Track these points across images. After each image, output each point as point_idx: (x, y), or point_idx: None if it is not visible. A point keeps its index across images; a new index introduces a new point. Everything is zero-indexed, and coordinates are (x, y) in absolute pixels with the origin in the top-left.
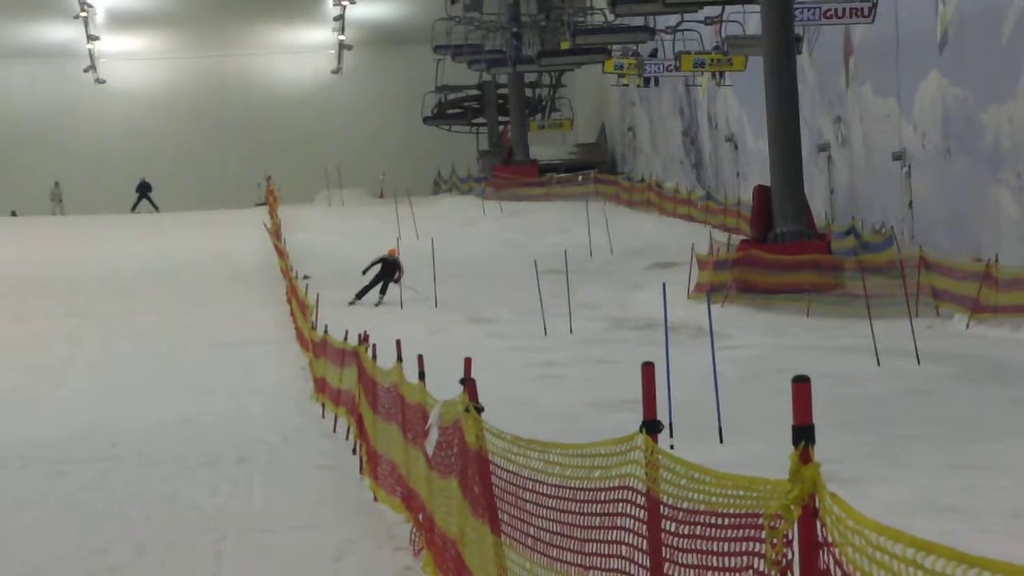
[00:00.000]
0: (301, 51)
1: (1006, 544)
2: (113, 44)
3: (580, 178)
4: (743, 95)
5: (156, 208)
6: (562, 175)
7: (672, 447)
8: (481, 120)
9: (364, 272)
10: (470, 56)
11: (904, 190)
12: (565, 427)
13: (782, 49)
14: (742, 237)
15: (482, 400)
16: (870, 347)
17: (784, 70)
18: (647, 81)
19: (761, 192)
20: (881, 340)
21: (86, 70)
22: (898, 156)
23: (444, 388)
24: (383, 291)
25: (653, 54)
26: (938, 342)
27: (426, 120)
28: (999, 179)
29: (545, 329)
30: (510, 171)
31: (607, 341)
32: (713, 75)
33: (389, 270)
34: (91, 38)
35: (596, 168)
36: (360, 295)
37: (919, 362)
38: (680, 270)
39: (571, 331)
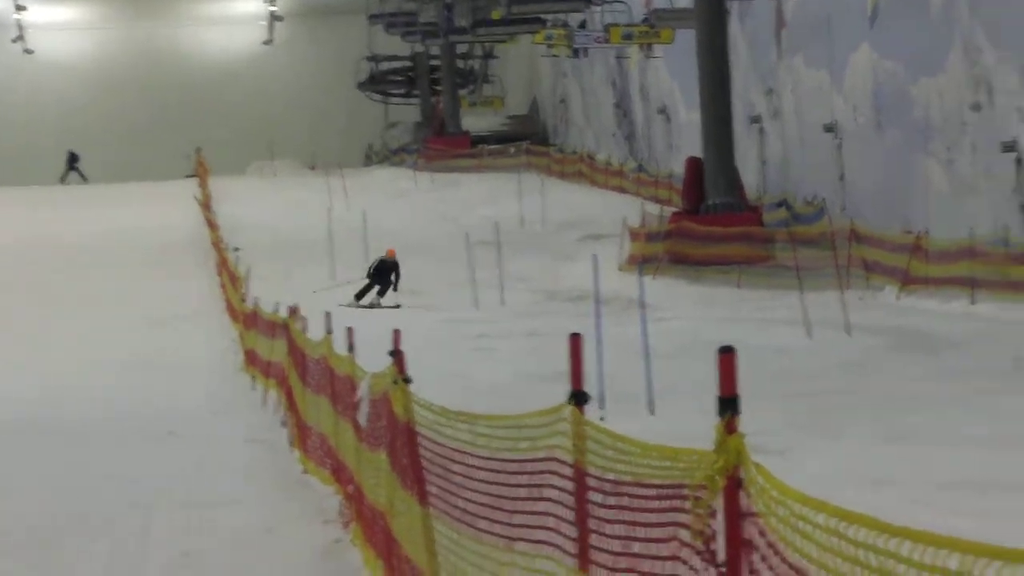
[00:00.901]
0: (232, 22)
1: (935, 515)
2: (41, 14)
3: (512, 150)
4: (675, 67)
5: (85, 179)
6: (494, 147)
7: (603, 419)
8: (414, 91)
9: (368, 276)
10: (403, 28)
11: (835, 162)
12: (495, 399)
13: (714, 21)
14: (674, 209)
15: (412, 372)
16: (801, 319)
17: (716, 42)
18: (576, 52)
19: (693, 164)
20: (812, 312)
21: (14, 40)
22: (830, 128)
23: (373, 360)
24: (380, 293)
25: (582, 25)
26: (869, 314)
27: (360, 86)
28: (929, 152)
29: (476, 301)
30: (442, 143)
31: (539, 313)
32: (641, 47)
33: (386, 271)
34: (19, 8)
35: (528, 140)
36: (359, 296)
37: (850, 333)
38: (612, 242)
39: (503, 303)
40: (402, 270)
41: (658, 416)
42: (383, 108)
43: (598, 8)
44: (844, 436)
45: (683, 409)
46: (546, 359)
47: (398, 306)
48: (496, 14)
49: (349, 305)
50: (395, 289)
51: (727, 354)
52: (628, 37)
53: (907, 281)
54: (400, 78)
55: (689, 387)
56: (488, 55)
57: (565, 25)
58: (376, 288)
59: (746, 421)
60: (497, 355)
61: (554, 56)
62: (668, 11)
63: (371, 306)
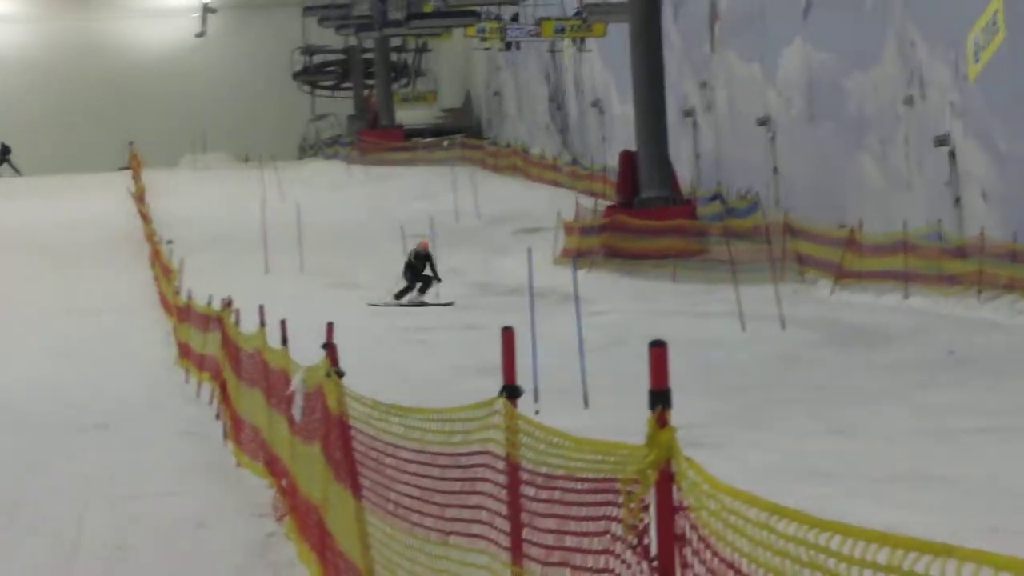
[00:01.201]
0: (166, 14)
1: (872, 508)
2: None
3: (446, 143)
4: (609, 60)
5: (18, 172)
6: (428, 140)
7: (537, 412)
8: (347, 84)
9: (404, 274)
10: (338, 20)
11: (769, 156)
12: (429, 392)
13: (647, 15)
14: (608, 203)
15: (345, 365)
16: (735, 312)
17: (649, 36)
18: (509, 45)
19: (627, 157)
20: (747, 305)
21: None
22: (763, 122)
23: (307, 353)
24: (422, 290)
25: (515, 18)
26: (803, 307)
27: (295, 76)
28: (863, 146)
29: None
30: (376, 136)
31: (473, 307)
32: (574, 41)
33: (421, 264)
34: None
35: (462, 133)
36: (400, 295)
37: (784, 327)
38: (546, 235)
39: (437, 296)
40: (340, 262)
41: (592, 410)
42: (321, 100)
43: (530, 3)
44: (778, 429)
45: (617, 403)
46: (480, 353)
47: (451, 303)
48: (428, 7)
49: (383, 304)
50: (438, 280)
51: (658, 348)
52: (560, 31)
53: (841, 275)
54: (334, 71)
55: (623, 381)
56: (422, 49)
57: (498, 18)
58: (417, 285)
59: (681, 415)
60: (431, 348)
61: (486, 49)
62: (600, 5)
63: (419, 304)
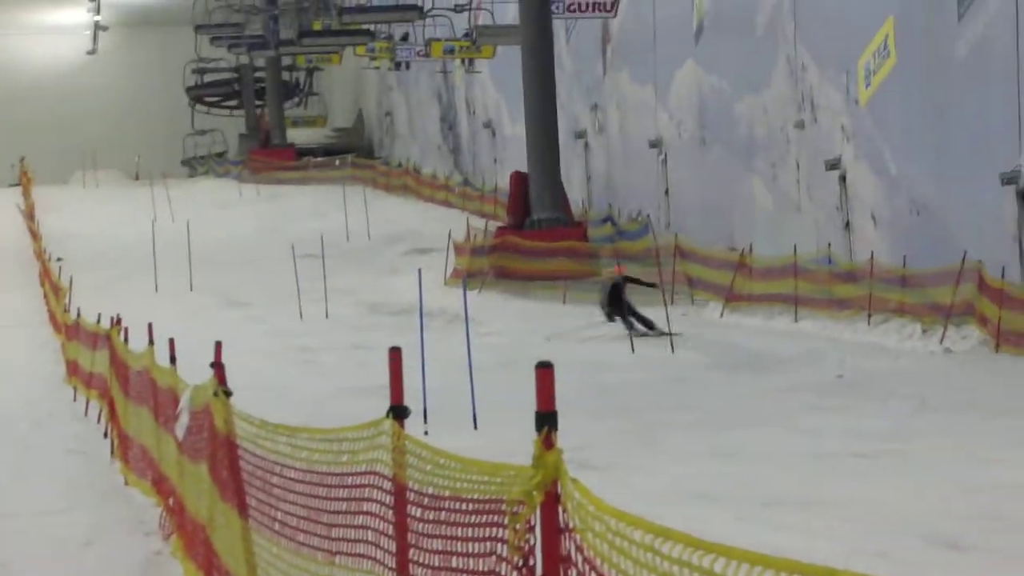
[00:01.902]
0: (57, 31)
1: (758, 532)
2: None
3: (337, 162)
4: (500, 81)
5: None
6: (319, 159)
7: (426, 433)
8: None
9: (604, 310)
10: (230, 39)
11: (660, 178)
12: (317, 412)
13: (539, 36)
14: (499, 223)
15: (234, 385)
16: (625, 335)
17: (541, 57)
18: (398, 65)
19: (518, 178)
20: (637, 327)
21: None
22: (654, 144)
23: (196, 372)
24: (640, 320)
25: (404, 38)
26: (692, 330)
27: (188, 90)
28: (753, 169)
29: (301, 314)
30: (267, 154)
31: (363, 327)
32: (463, 62)
33: (620, 292)
34: None
35: (354, 152)
36: (632, 328)
37: (673, 350)
38: (437, 256)
39: (327, 316)
40: (230, 281)
41: (481, 431)
42: (202, 116)
43: (420, 23)
44: (665, 452)
45: (506, 424)
46: (369, 373)
47: (678, 333)
48: (316, 25)
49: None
50: (651, 285)
51: (544, 369)
52: (449, 52)
53: (731, 298)
54: (226, 90)
55: (512, 402)
56: (313, 68)
57: (388, 38)
58: (632, 319)
59: (570, 436)
60: (320, 368)
61: (376, 68)
62: (490, 28)
63: (638, 333)
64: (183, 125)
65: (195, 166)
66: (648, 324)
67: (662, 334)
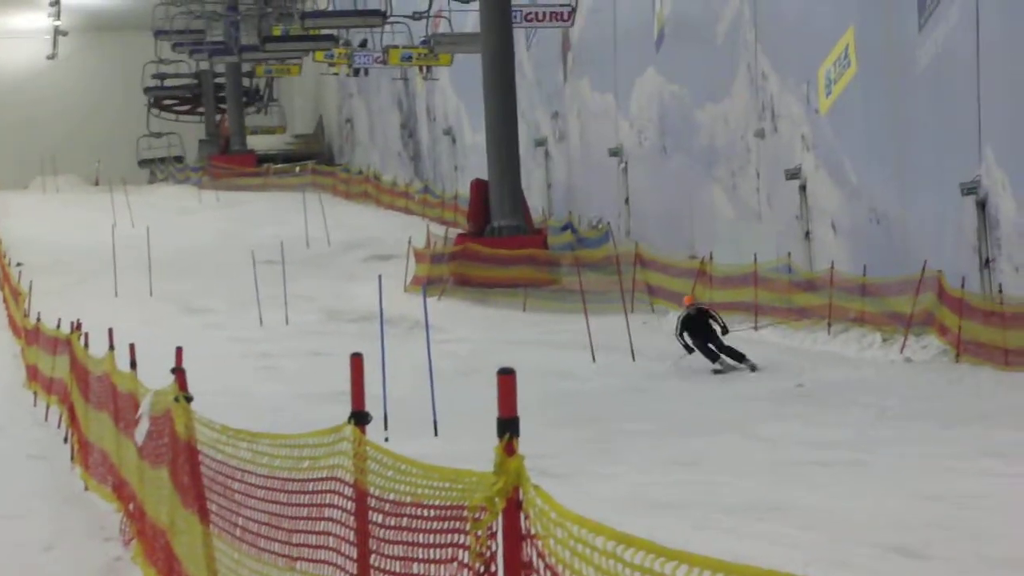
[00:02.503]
0: (16, 36)
1: (719, 540)
2: None
3: (298, 169)
4: (461, 88)
5: None
6: (280, 166)
7: (387, 440)
8: (199, 109)
9: (680, 341)
10: (191, 45)
11: (621, 186)
12: (278, 418)
13: (500, 44)
14: (459, 231)
15: (195, 390)
16: (586, 343)
17: (502, 65)
18: (356, 71)
19: (478, 186)
20: (597, 336)
21: None
22: (615, 152)
23: (156, 378)
24: (728, 353)
25: (363, 44)
26: (653, 338)
27: (147, 90)
28: (714, 177)
29: (261, 320)
30: (227, 161)
31: (323, 333)
32: (421, 69)
33: (702, 323)
34: None
35: (314, 159)
36: (717, 359)
37: (634, 358)
38: (397, 263)
39: (287, 322)
40: (190, 287)
41: (442, 438)
42: (161, 121)
43: (378, 30)
44: (626, 461)
45: (467, 431)
46: (328, 379)
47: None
48: (275, 30)
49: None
50: (725, 331)
51: (506, 375)
52: (407, 59)
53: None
54: (185, 94)
55: (473, 409)
56: (273, 78)
57: (347, 44)
58: (715, 348)
59: (531, 444)
60: (280, 374)
61: (335, 74)
62: (448, 35)
63: (741, 366)
64: (143, 130)
65: (155, 172)
66: (737, 356)
67: (753, 368)
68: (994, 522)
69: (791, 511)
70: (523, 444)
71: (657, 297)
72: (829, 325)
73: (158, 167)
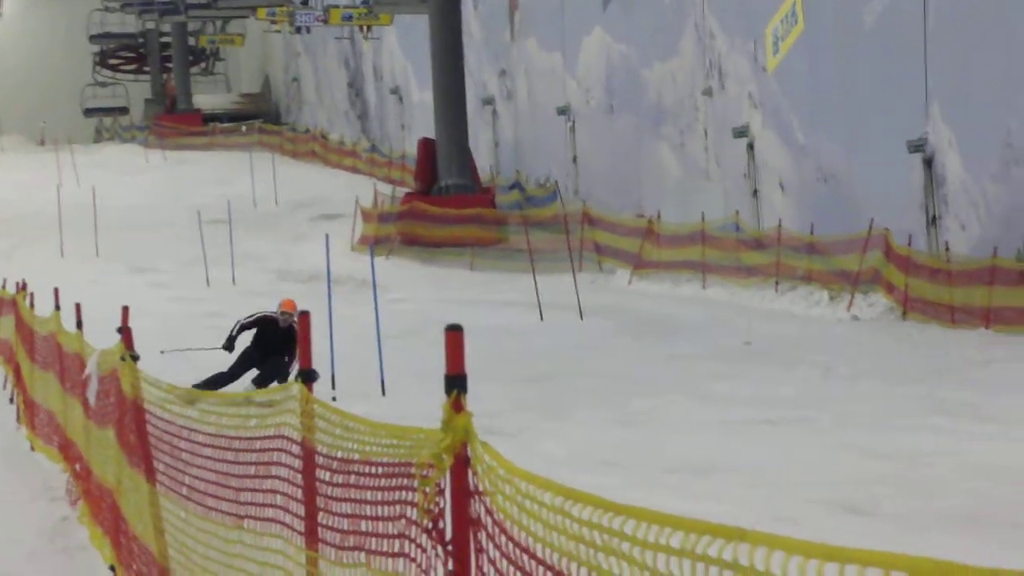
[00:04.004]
0: None
1: (666, 498)
2: None
3: (244, 128)
4: (408, 47)
5: None
6: (226, 125)
7: (334, 399)
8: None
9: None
10: (140, 5)
11: (568, 145)
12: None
13: (447, 3)
14: (406, 190)
15: (141, 350)
16: (534, 301)
17: (449, 24)
18: (299, 29)
19: (426, 145)
20: (544, 294)
21: None
22: (563, 111)
23: (103, 337)
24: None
25: (305, 2)
26: (601, 297)
27: (92, 39)
28: (661, 136)
29: (208, 279)
30: (173, 120)
31: (270, 293)
32: (361, 28)
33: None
34: None
35: (260, 118)
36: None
37: (582, 316)
38: (344, 222)
39: (234, 282)
40: (136, 247)
41: (389, 397)
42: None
43: None
44: (574, 419)
45: (415, 389)
46: None
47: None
48: None
49: None
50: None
51: (454, 332)
52: (348, 18)
53: (639, 265)
54: (130, 55)
55: (421, 368)
56: (221, 32)
57: (289, 1)
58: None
59: (477, 402)
60: (226, 334)
61: (277, 32)
62: None
63: None
64: (87, 99)
65: (101, 130)
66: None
67: None
68: (941, 479)
69: (738, 469)
70: (471, 402)
71: (605, 256)
72: (777, 283)
73: (103, 125)
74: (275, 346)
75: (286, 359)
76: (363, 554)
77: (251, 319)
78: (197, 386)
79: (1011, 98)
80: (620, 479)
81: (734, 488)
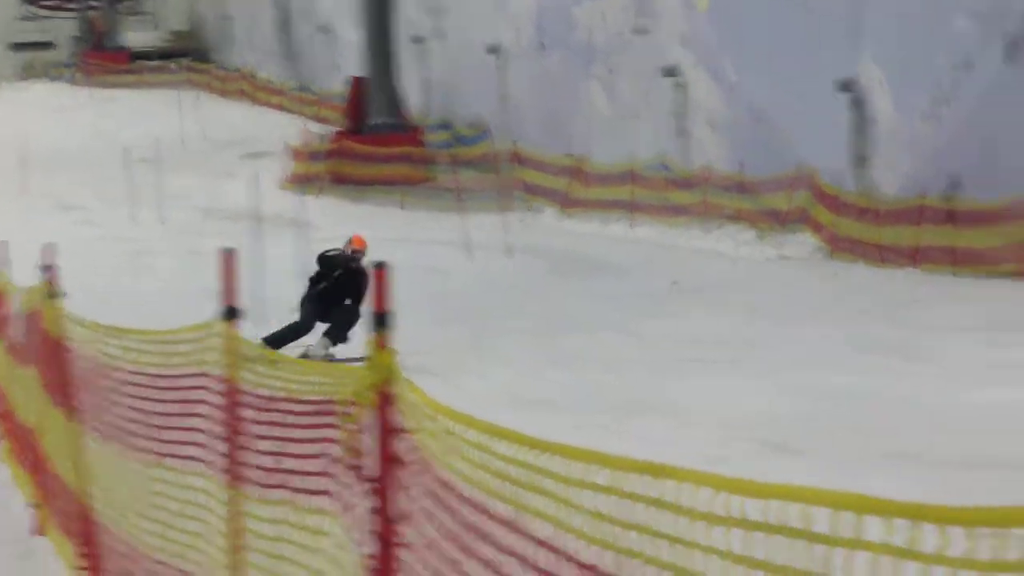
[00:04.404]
0: None
1: (594, 436)
2: None
3: (173, 66)
4: None
5: None
6: (154, 63)
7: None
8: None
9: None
10: None
11: (499, 84)
12: (151, 315)
13: None
14: (336, 129)
15: (68, 288)
16: (463, 240)
17: None
18: None
19: (355, 84)
20: (473, 234)
21: None
22: (493, 50)
23: (28, 275)
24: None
25: None
26: (530, 236)
27: None
28: (591, 74)
29: (136, 218)
30: (101, 57)
31: (198, 231)
32: None
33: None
34: None
35: (189, 56)
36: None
37: (511, 256)
38: (274, 161)
39: (162, 221)
40: (63, 185)
41: (316, 335)
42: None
43: None
44: (502, 359)
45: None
46: (204, 277)
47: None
48: None
49: None
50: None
51: (381, 269)
52: None
53: (567, 204)
54: None
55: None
56: None
57: None
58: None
59: (407, 342)
60: (154, 272)
61: None
62: None
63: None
64: (14, 33)
65: (28, 66)
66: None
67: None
68: (869, 418)
69: (668, 408)
70: (399, 341)
71: (534, 195)
72: (705, 223)
73: (32, 62)
74: (341, 289)
75: (353, 304)
76: (286, 492)
77: (318, 273)
78: (268, 339)
79: (940, 38)
80: (549, 418)
81: (663, 427)
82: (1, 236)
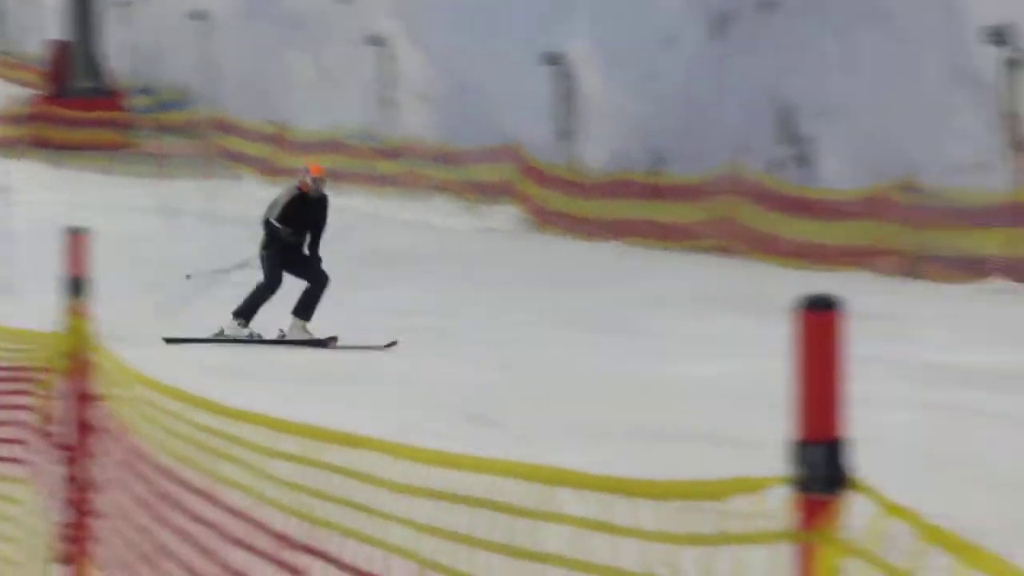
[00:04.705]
0: None
1: (292, 404)
2: None
3: None
4: None
5: None
6: None
7: None
8: None
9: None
10: None
11: (204, 50)
12: None
13: None
14: (38, 93)
15: None
16: (165, 207)
17: None
18: None
19: (58, 47)
20: (175, 200)
21: None
22: (197, 15)
23: None
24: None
25: None
26: (233, 205)
27: None
28: (296, 42)
29: None
30: None
31: None
32: None
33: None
34: None
35: None
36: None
37: (213, 224)
38: None
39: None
40: None
41: (17, 298)
42: None
43: None
44: (201, 325)
45: (43, 293)
46: None
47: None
48: None
49: None
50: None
51: (76, 235)
52: None
53: (269, 171)
54: None
55: (48, 272)
56: None
57: None
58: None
59: (105, 308)
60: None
61: None
62: None
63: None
64: None
65: None
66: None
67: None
68: (568, 390)
69: (368, 377)
70: (98, 308)
71: (237, 163)
72: (411, 193)
73: None
74: (307, 222)
75: (315, 267)
76: None
77: (276, 215)
78: (240, 311)
79: (648, 13)
80: (245, 387)
81: (362, 397)
82: None
